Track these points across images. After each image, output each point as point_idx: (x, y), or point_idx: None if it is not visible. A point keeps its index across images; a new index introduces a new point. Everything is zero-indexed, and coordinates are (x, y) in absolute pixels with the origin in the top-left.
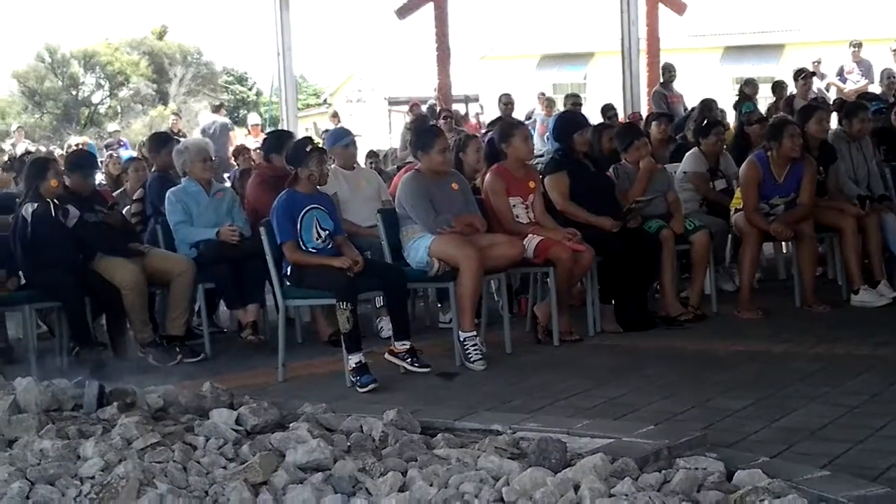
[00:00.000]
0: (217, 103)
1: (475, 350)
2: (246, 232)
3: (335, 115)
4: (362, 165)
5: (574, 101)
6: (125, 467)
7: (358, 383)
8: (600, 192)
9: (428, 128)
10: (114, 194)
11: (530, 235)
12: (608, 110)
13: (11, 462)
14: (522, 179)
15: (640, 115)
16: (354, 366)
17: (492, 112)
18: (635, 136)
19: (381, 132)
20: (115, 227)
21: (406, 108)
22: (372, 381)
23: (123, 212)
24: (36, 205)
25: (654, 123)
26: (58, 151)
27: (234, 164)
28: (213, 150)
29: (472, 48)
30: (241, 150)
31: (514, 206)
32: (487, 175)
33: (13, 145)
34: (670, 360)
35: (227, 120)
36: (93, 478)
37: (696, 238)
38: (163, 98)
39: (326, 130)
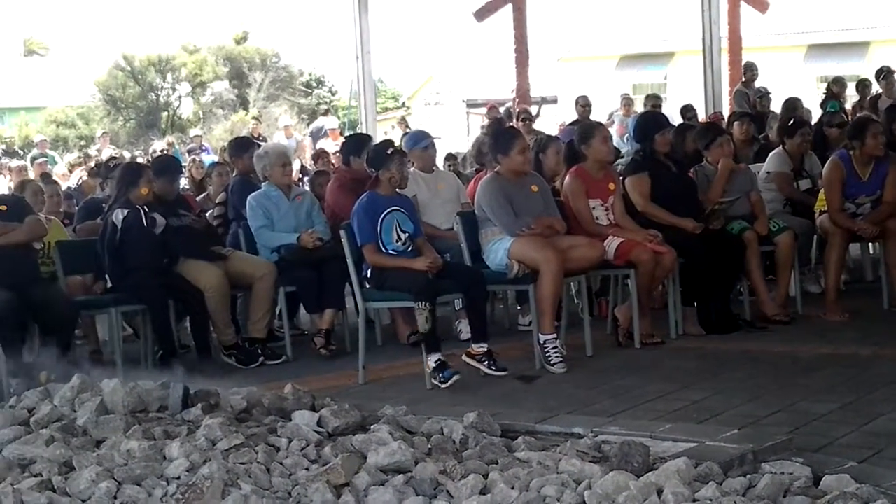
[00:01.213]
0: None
1: (555, 353)
2: (325, 235)
3: (402, 121)
4: (441, 168)
5: (654, 101)
6: (210, 468)
7: (440, 378)
8: (682, 194)
9: (506, 129)
10: (197, 198)
11: (611, 237)
12: (687, 111)
13: (99, 462)
14: (602, 181)
15: (722, 116)
16: (434, 365)
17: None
18: (717, 134)
19: (459, 135)
20: (199, 231)
21: (484, 110)
22: (454, 374)
23: (207, 214)
24: (126, 211)
25: (736, 123)
26: (141, 157)
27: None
28: (293, 154)
29: (550, 49)
30: (321, 154)
31: (593, 207)
32: (567, 177)
33: (98, 151)
34: (754, 363)
35: (334, 123)
36: (178, 478)
37: (781, 239)
38: (243, 103)
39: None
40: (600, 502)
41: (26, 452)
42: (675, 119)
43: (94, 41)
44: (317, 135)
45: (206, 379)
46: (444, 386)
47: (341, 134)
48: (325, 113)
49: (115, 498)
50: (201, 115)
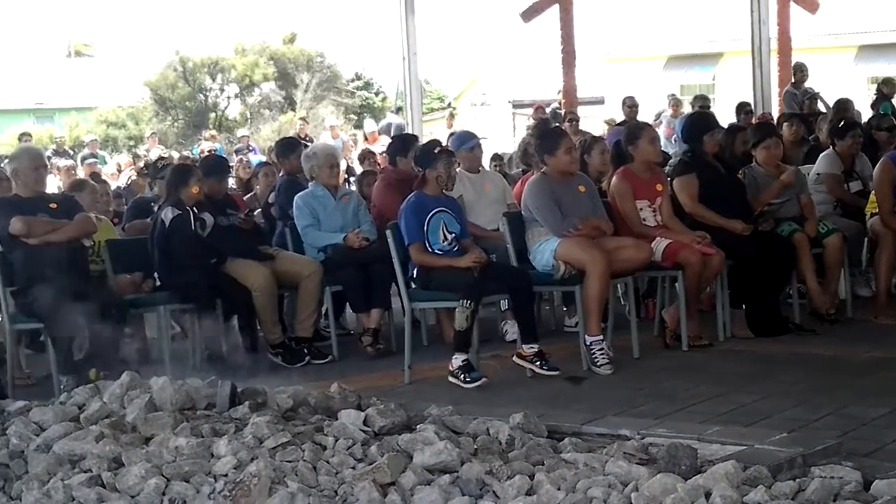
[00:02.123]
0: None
1: (602, 354)
2: (371, 235)
3: (451, 117)
4: (487, 168)
5: (702, 102)
6: (257, 466)
7: (466, 379)
8: (731, 195)
9: (552, 129)
10: (244, 198)
11: (658, 238)
12: (743, 108)
13: (148, 459)
14: (650, 182)
15: (771, 117)
16: (461, 364)
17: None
18: (768, 133)
19: (505, 135)
20: (247, 231)
21: (530, 111)
22: (481, 377)
23: (255, 213)
24: (175, 212)
25: (785, 125)
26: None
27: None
28: (340, 155)
29: (597, 49)
30: (367, 154)
31: (641, 208)
32: (614, 178)
33: (147, 151)
34: (804, 367)
35: (402, 121)
36: (226, 475)
37: (830, 241)
38: (290, 103)
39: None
40: None
41: (76, 448)
42: (724, 120)
43: (144, 42)
44: (387, 130)
45: (253, 377)
46: (467, 386)
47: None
48: (398, 111)
49: (164, 494)
50: (248, 116)
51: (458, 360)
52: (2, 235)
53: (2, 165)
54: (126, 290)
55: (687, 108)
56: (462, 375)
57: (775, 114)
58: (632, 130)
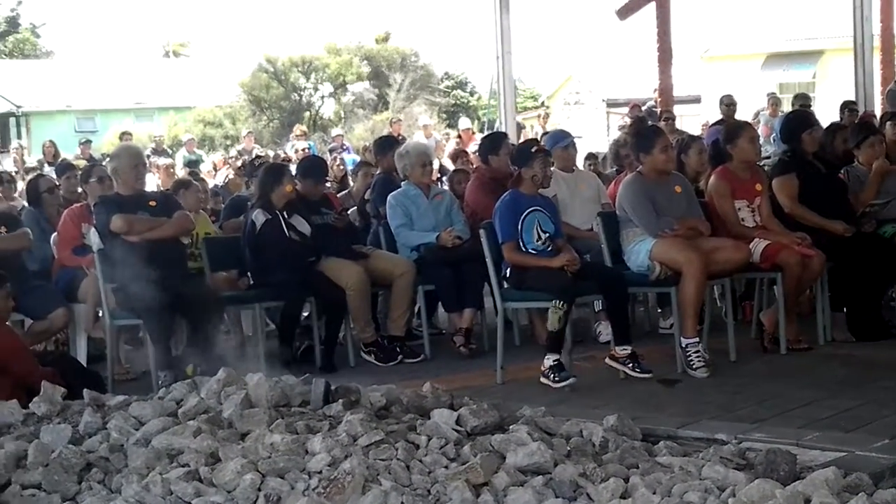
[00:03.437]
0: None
1: (698, 357)
2: (464, 234)
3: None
4: (581, 168)
5: (803, 101)
6: (351, 463)
7: (555, 378)
8: (831, 195)
9: (648, 128)
10: (338, 195)
11: (757, 239)
12: (847, 106)
13: (244, 454)
14: (748, 182)
15: (874, 116)
16: (552, 364)
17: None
18: (870, 132)
19: (599, 134)
20: (341, 230)
21: (625, 109)
22: (570, 377)
23: (349, 213)
24: (266, 216)
25: (888, 124)
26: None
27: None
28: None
29: (693, 47)
30: (459, 154)
31: (739, 209)
32: (712, 177)
33: (244, 150)
34: None
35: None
36: (320, 472)
37: None
38: (383, 102)
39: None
40: None
41: (174, 443)
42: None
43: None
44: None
45: (346, 376)
46: (556, 386)
47: (474, 134)
48: (532, 110)
49: (259, 490)
50: (342, 115)
51: (549, 360)
52: (103, 233)
53: (103, 164)
54: (222, 287)
55: (786, 108)
56: (552, 375)
57: (878, 113)
58: (731, 129)
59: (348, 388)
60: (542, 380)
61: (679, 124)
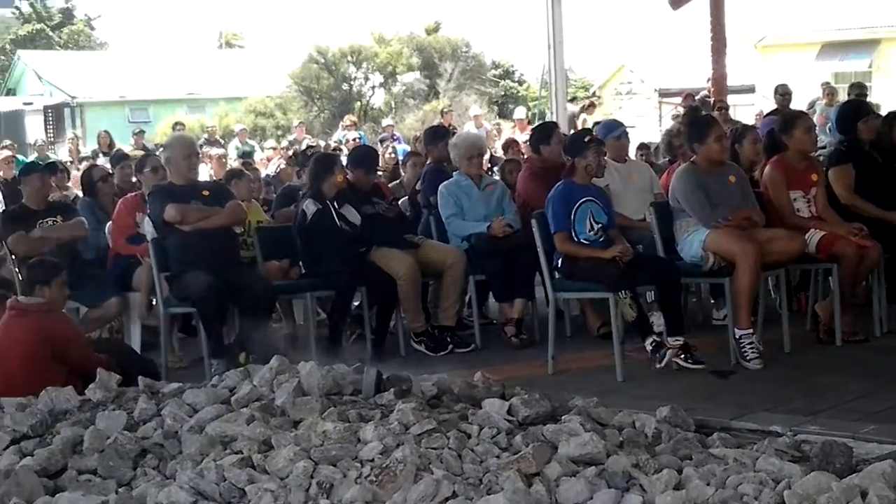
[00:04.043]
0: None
1: (751, 348)
2: (515, 224)
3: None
4: (633, 158)
5: (859, 91)
6: (403, 452)
7: (658, 358)
8: (889, 185)
9: (702, 117)
10: (389, 185)
11: (812, 230)
12: None
13: (297, 442)
14: (804, 172)
15: None
16: (651, 347)
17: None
18: None
19: (651, 124)
20: (391, 219)
21: (678, 99)
22: (667, 353)
23: (399, 203)
24: (316, 205)
25: None
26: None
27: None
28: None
29: (747, 36)
30: (510, 143)
31: (794, 199)
32: (767, 167)
33: (295, 140)
34: None
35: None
36: (372, 460)
37: None
38: (434, 92)
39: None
40: (800, 503)
41: (228, 430)
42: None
43: (289, 33)
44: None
45: (397, 365)
46: (659, 366)
47: (529, 124)
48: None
49: (312, 477)
50: (393, 105)
51: (647, 343)
52: (157, 222)
53: (156, 154)
54: (274, 276)
55: (842, 97)
56: (656, 356)
57: None
58: (787, 119)
59: (399, 377)
60: (657, 365)
61: (732, 114)
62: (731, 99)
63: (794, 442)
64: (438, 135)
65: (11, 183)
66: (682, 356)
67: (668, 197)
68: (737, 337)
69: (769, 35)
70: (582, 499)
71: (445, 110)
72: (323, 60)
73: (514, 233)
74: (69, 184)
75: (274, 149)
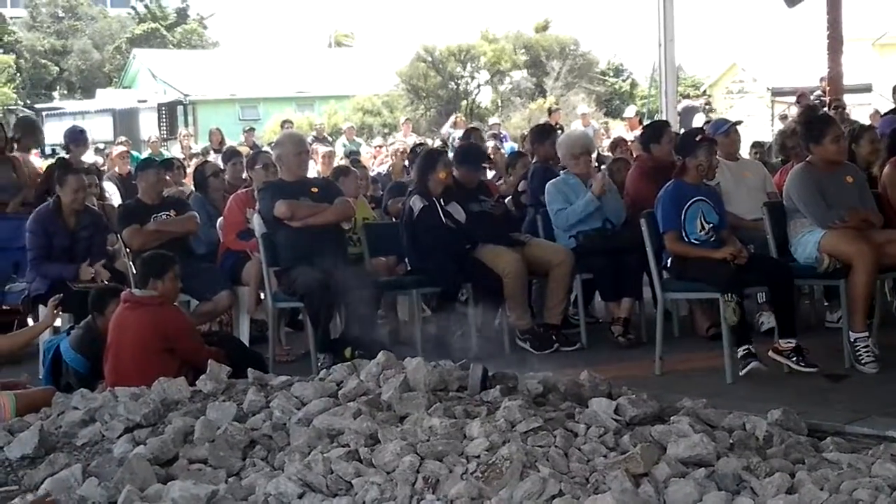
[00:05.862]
0: None
1: (867, 351)
2: (617, 220)
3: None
4: (746, 157)
5: None
6: (509, 449)
7: (745, 367)
8: None
9: (819, 117)
10: (497, 183)
11: None
12: None
13: (403, 437)
14: None
15: None
16: (742, 354)
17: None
18: None
19: (763, 123)
20: (498, 217)
21: (791, 98)
22: (753, 362)
23: (506, 201)
24: (423, 202)
25: None
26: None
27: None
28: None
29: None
30: (618, 142)
31: None
32: (886, 168)
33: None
34: None
35: (696, 103)
36: (478, 457)
37: None
38: (541, 91)
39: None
40: None
41: (335, 423)
42: None
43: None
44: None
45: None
46: (741, 373)
47: (640, 122)
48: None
49: (418, 472)
50: (499, 104)
51: (740, 353)
52: (267, 218)
53: (267, 151)
54: (381, 272)
55: None
56: (745, 362)
57: None
58: None
59: (505, 375)
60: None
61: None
62: (846, 98)
63: None
64: (545, 133)
65: (127, 178)
66: (795, 359)
67: (783, 197)
68: (851, 340)
69: (889, 33)
70: (691, 500)
71: (553, 108)
72: (430, 59)
73: (612, 228)
74: (185, 180)
75: (378, 146)
